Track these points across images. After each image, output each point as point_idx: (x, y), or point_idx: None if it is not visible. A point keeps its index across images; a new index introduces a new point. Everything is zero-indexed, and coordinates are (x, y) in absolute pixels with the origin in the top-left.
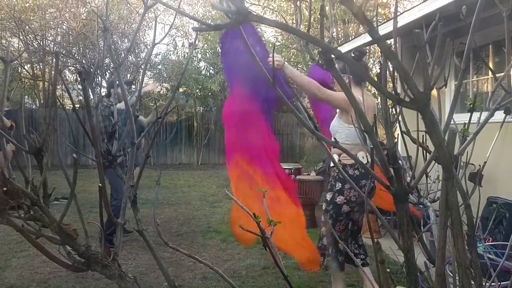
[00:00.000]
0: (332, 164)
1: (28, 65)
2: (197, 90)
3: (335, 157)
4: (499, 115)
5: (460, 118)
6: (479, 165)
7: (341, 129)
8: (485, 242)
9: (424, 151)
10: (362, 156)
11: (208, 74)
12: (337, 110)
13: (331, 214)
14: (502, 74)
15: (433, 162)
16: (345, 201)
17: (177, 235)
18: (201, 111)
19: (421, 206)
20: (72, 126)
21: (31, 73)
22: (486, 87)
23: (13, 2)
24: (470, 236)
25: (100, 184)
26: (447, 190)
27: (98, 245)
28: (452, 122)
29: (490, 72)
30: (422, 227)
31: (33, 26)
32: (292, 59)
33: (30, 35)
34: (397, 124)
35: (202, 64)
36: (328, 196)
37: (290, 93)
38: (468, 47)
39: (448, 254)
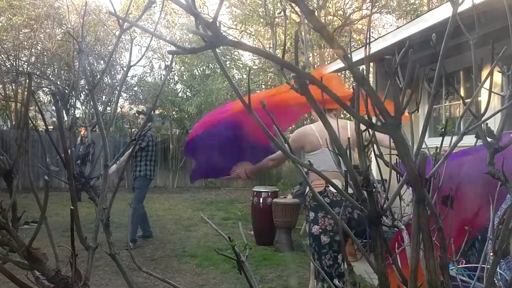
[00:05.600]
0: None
1: (0, 86)
2: (174, 112)
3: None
4: (471, 139)
5: (434, 142)
6: (451, 188)
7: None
8: (458, 264)
9: (397, 174)
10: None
11: (185, 97)
12: None
13: (314, 248)
14: (470, 99)
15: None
16: (320, 230)
17: (151, 260)
18: (177, 133)
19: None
20: (45, 148)
21: (3, 94)
22: (458, 111)
23: None
24: (442, 258)
25: (72, 207)
26: (418, 213)
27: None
28: (424, 146)
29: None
30: (396, 250)
31: (5, 46)
32: (269, 83)
33: (2, 55)
34: (372, 147)
35: (179, 86)
36: (306, 228)
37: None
38: (438, 73)
39: (422, 277)
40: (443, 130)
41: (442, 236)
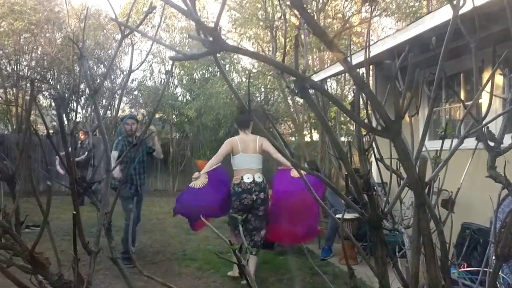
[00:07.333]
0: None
1: (1, 90)
2: (174, 116)
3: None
4: (472, 142)
5: (434, 145)
6: (451, 192)
7: (232, 160)
8: (460, 268)
9: (398, 178)
10: (247, 177)
11: (184, 101)
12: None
13: (229, 217)
14: (471, 102)
15: (407, 188)
16: (231, 208)
17: (152, 263)
18: (177, 137)
19: (396, 232)
20: (45, 152)
21: (4, 98)
22: (458, 114)
23: None
24: (443, 262)
25: (75, 212)
26: (419, 216)
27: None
28: (424, 149)
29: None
30: (397, 253)
31: (7, 51)
32: (268, 86)
33: (3, 60)
34: (372, 151)
35: (178, 90)
36: None
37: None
38: (438, 76)
39: (423, 281)
40: (443, 133)
41: (443, 240)
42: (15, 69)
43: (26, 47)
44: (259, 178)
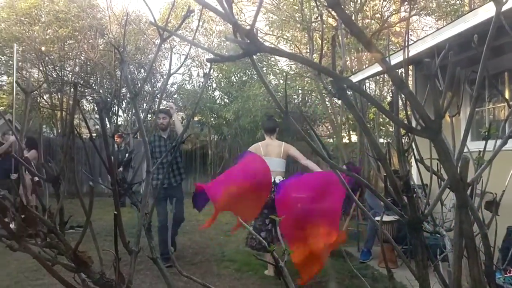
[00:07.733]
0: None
1: (47, 95)
2: (212, 119)
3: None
4: None
5: (476, 146)
6: (495, 193)
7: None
8: (506, 273)
9: (439, 179)
10: (278, 178)
11: (222, 103)
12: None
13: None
14: None
15: (448, 190)
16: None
17: (191, 264)
18: (215, 139)
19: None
20: (88, 154)
21: (49, 103)
22: (503, 114)
23: (34, 34)
24: (487, 266)
25: (116, 212)
26: (460, 219)
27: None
28: (466, 149)
29: None
30: (438, 256)
31: (52, 57)
32: (306, 88)
33: (49, 66)
34: (412, 152)
35: (217, 93)
36: None
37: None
38: (480, 75)
39: (466, 285)
40: (486, 133)
41: (487, 243)
42: (59, 74)
43: (70, 53)
44: (278, 180)
